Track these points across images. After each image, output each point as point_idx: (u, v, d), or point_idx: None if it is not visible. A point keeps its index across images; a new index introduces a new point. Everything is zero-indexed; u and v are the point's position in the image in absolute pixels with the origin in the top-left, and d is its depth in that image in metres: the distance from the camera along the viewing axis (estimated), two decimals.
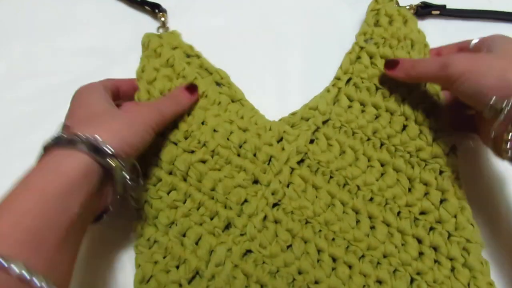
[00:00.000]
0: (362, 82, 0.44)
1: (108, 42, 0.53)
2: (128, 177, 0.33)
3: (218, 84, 0.46)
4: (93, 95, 0.37)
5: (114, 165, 0.31)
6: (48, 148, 0.31)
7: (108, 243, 0.41)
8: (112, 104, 0.37)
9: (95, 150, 0.30)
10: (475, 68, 0.35)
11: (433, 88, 0.43)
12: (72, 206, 0.29)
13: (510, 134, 0.33)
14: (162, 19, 0.51)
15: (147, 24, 0.52)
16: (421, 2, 0.51)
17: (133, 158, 0.34)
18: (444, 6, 0.51)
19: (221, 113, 0.43)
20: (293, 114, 0.44)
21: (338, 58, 0.47)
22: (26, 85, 0.50)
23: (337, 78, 0.45)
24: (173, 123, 0.41)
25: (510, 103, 0.33)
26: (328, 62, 0.48)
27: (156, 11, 0.51)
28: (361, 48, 0.45)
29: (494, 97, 0.33)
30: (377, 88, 0.43)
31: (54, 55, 0.52)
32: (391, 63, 0.42)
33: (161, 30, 0.51)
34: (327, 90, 0.45)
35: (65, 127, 0.34)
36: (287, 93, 0.49)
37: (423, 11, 0.51)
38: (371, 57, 0.45)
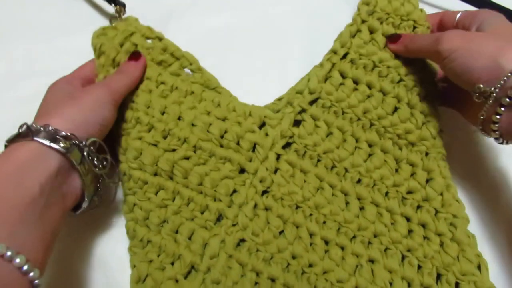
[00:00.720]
0: (360, 59, 0.42)
1: None
2: (85, 154, 0.34)
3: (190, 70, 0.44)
4: (52, 91, 0.39)
5: (62, 145, 0.32)
6: (6, 145, 0.34)
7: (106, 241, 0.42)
8: (70, 94, 0.38)
9: (45, 136, 0.32)
10: (466, 46, 0.34)
11: (430, 71, 0.42)
12: (28, 185, 0.30)
13: (498, 116, 0.33)
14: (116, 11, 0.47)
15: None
16: None
17: (93, 136, 0.36)
18: None
19: (196, 104, 0.41)
20: (279, 99, 0.43)
21: None
22: (26, 85, 0.50)
23: (333, 51, 0.43)
24: (149, 125, 0.40)
25: (498, 87, 0.32)
26: None
27: (112, 5, 0.48)
28: (363, 21, 0.43)
29: (482, 84, 0.33)
30: (374, 66, 0.42)
31: (54, 55, 0.51)
32: (394, 37, 0.42)
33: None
34: (321, 65, 0.43)
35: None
36: None
37: None
38: (371, 32, 0.43)
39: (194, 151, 0.40)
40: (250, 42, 0.51)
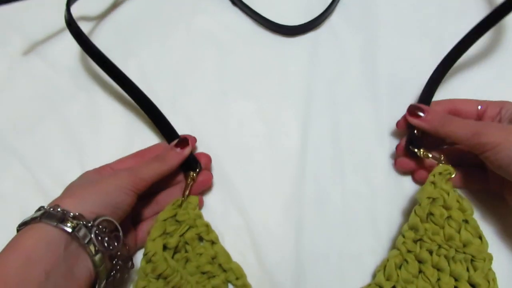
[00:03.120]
0: None
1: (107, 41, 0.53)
2: (93, 233, 0.34)
3: (231, 283, 0.40)
4: (80, 177, 0.39)
5: (69, 225, 0.32)
6: (18, 229, 0.34)
7: None
8: (93, 180, 0.38)
9: (53, 217, 0.33)
10: (509, 140, 0.35)
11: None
12: (34, 276, 0.30)
13: None
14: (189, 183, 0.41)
15: None
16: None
17: (104, 217, 0.35)
18: None
19: None
20: None
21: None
22: (26, 85, 0.51)
23: (378, 285, 0.37)
24: None
25: None
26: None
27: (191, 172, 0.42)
28: (409, 251, 0.37)
29: None
30: None
31: (54, 55, 0.53)
32: (415, 109, 0.41)
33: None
34: None
35: None
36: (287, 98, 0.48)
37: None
38: (420, 262, 0.37)
39: None
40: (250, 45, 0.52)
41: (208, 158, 0.44)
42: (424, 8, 0.52)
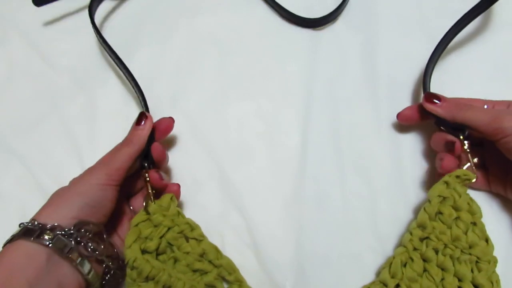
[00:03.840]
0: None
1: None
2: (73, 240, 0.33)
3: (224, 279, 0.39)
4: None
5: (47, 237, 0.33)
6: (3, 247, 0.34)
7: None
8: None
9: (30, 233, 0.33)
10: None
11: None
12: (16, 286, 0.31)
13: None
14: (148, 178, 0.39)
15: None
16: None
17: (85, 219, 0.35)
18: None
19: None
20: None
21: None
22: (26, 85, 0.51)
23: (383, 282, 0.37)
24: None
25: None
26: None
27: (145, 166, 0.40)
28: (415, 249, 0.37)
29: None
30: None
31: (54, 55, 0.53)
32: (432, 97, 0.40)
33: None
34: None
35: None
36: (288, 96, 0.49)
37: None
38: (425, 260, 0.37)
39: None
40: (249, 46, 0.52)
41: (168, 123, 0.42)
42: (424, 8, 0.52)
